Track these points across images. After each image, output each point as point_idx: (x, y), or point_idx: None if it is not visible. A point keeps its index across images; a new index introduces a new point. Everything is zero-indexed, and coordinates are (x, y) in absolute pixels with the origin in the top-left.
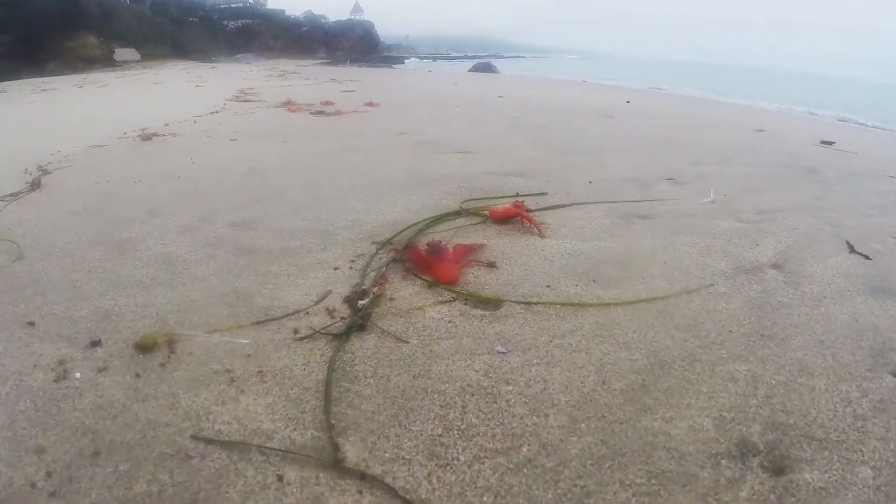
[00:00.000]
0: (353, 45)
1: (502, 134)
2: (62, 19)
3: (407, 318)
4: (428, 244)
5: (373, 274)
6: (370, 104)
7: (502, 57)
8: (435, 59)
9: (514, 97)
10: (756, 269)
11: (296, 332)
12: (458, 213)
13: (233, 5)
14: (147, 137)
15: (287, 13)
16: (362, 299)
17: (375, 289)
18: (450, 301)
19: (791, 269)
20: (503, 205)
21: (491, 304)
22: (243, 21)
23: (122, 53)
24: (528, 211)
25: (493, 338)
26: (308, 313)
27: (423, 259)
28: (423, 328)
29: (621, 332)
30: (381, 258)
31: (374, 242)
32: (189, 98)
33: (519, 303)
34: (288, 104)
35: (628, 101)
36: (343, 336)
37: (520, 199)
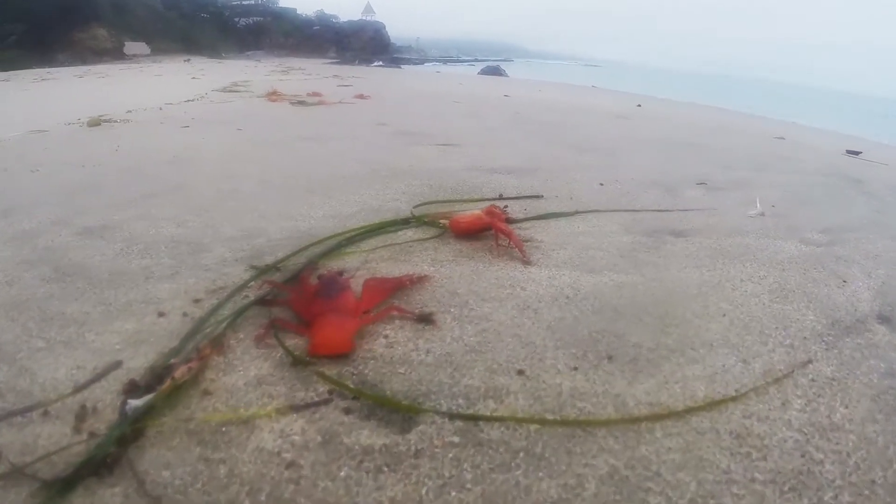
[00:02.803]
0: (363, 45)
1: (499, 128)
2: (73, 11)
3: (209, 447)
4: (320, 278)
5: (219, 327)
6: (360, 96)
7: (512, 61)
8: (445, 62)
9: (520, 96)
10: (859, 326)
11: None
12: (405, 223)
13: (244, 2)
14: (95, 123)
15: (298, 12)
16: (148, 392)
17: (180, 371)
18: (318, 404)
19: None
20: (473, 211)
21: (399, 414)
22: (254, 18)
23: (132, 47)
24: (509, 221)
25: None
26: (48, 413)
27: (309, 304)
28: (227, 479)
29: (663, 500)
30: (247, 296)
31: (252, 267)
32: (177, 88)
33: (453, 416)
34: (271, 94)
35: (639, 105)
36: (56, 487)
37: (502, 202)
